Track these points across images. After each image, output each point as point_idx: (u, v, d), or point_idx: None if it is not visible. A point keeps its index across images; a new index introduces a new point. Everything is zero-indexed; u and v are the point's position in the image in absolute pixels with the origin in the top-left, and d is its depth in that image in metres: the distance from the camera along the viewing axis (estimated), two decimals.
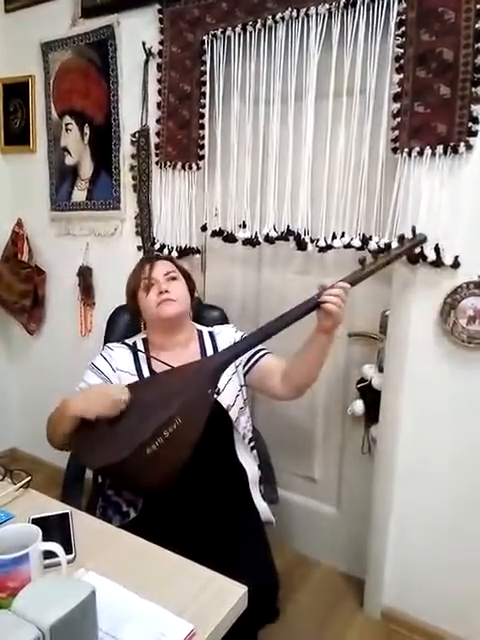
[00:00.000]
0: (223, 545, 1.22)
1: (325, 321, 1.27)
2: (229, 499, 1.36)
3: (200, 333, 1.50)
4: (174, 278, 1.43)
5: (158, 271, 1.42)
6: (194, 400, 1.21)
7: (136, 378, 1.38)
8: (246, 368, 1.47)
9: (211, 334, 1.51)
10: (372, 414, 1.70)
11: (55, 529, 0.98)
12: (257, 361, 1.46)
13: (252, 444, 1.49)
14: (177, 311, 1.40)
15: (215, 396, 1.33)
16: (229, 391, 1.40)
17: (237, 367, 1.45)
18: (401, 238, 1.45)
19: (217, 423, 1.31)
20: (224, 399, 1.37)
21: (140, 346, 1.46)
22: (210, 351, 1.46)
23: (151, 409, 1.18)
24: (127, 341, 1.49)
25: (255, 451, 1.50)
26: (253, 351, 1.44)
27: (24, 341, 2.61)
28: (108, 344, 1.49)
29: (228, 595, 0.83)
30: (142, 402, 1.20)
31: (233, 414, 1.39)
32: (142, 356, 1.43)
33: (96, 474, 1.53)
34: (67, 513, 1.04)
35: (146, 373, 1.40)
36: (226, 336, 1.49)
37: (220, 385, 1.36)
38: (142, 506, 1.30)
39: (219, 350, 1.44)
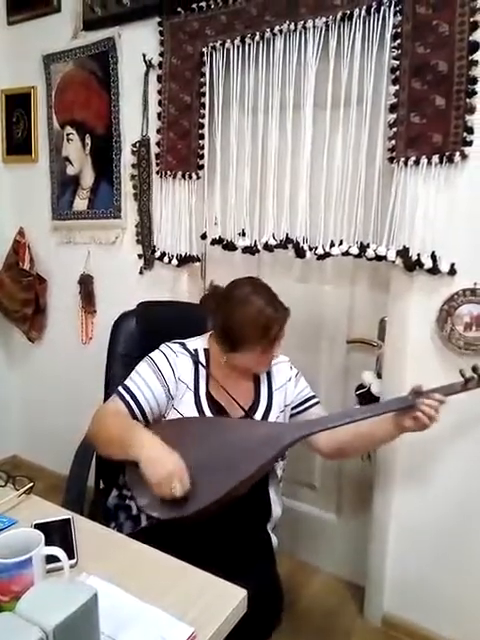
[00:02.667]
0: (228, 555, 1.21)
1: (411, 424, 1.23)
2: (247, 529, 1.32)
3: None
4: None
5: (282, 335, 1.28)
6: (265, 466, 1.20)
7: (192, 393, 1.31)
8: (294, 413, 1.42)
9: None
10: None
11: (57, 534, 0.99)
12: (306, 410, 1.41)
13: (281, 485, 1.46)
14: None
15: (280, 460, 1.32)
16: None
17: (285, 407, 1.39)
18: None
19: None
20: None
21: (202, 358, 1.35)
22: (264, 382, 1.38)
23: (213, 471, 1.15)
24: (189, 346, 1.36)
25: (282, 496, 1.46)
26: (304, 397, 1.41)
27: (25, 349, 2.63)
28: (170, 345, 1.35)
29: (228, 598, 0.84)
30: (211, 454, 1.17)
31: None
32: (202, 371, 1.33)
33: (99, 481, 1.55)
34: (69, 518, 1.05)
35: (203, 390, 1.32)
36: (282, 371, 1.41)
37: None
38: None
39: (274, 383, 1.38)
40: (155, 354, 1.33)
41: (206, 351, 1.36)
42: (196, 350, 1.35)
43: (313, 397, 1.43)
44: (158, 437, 1.16)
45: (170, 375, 1.30)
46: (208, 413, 1.31)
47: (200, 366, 1.34)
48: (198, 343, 1.38)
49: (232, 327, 1.25)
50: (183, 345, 1.36)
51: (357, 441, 1.33)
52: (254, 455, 1.18)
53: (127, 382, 1.30)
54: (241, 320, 1.23)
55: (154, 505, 1.14)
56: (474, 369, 1.28)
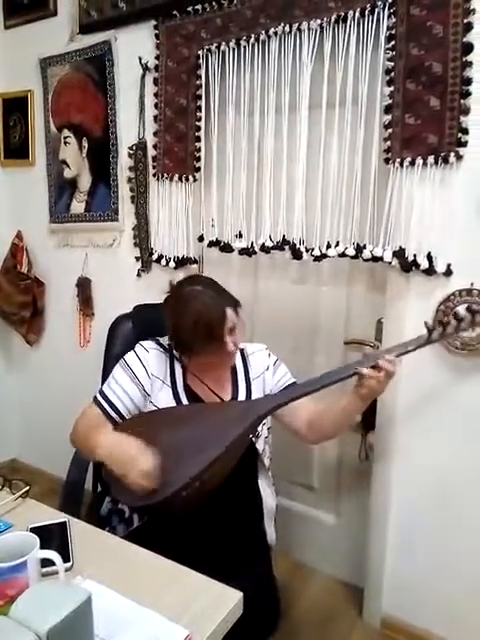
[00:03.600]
0: (224, 557, 1.22)
1: (366, 391, 1.21)
2: (240, 525, 1.34)
3: None
4: (236, 325, 1.28)
5: (229, 325, 1.24)
6: (235, 444, 1.19)
7: (169, 388, 1.32)
8: None
9: (242, 352, 1.41)
10: (369, 421, 1.71)
11: (53, 538, 0.99)
12: None
13: (271, 473, 1.46)
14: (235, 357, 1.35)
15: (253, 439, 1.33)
16: None
17: (265, 396, 1.39)
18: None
19: (244, 454, 1.25)
20: None
21: (177, 352, 1.35)
22: (241, 371, 1.39)
23: (187, 453, 1.15)
24: (163, 342, 1.37)
25: (272, 482, 1.47)
26: (283, 385, 1.40)
27: (23, 352, 2.63)
28: (143, 343, 1.36)
29: (224, 601, 0.84)
30: (180, 439, 1.17)
31: (260, 445, 1.38)
32: (177, 365, 1.34)
33: (96, 484, 1.55)
34: (65, 522, 1.05)
35: (180, 384, 1.32)
36: (259, 359, 1.41)
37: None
38: (148, 518, 1.28)
39: (251, 372, 1.39)
40: (128, 355, 1.35)
41: None
42: (170, 345, 1.35)
43: (294, 383, 1.42)
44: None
45: (143, 373, 1.31)
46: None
47: (175, 360, 1.35)
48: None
49: (179, 335, 1.25)
50: (157, 341, 1.38)
51: (328, 419, 1.32)
52: (227, 432, 1.19)
53: (103, 387, 1.33)
54: (184, 327, 1.22)
55: (133, 494, 1.14)
56: (439, 322, 1.26)
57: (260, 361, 1.41)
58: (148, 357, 1.33)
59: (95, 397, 1.31)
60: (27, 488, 1.13)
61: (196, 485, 1.12)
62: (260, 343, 1.46)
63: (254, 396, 1.36)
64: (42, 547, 0.83)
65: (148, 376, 1.32)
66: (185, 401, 1.32)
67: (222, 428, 1.20)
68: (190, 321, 1.21)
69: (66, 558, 0.92)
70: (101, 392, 1.32)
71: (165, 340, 1.38)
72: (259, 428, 1.36)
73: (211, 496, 1.17)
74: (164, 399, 1.31)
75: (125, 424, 1.28)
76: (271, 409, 1.26)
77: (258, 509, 1.40)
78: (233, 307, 1.27)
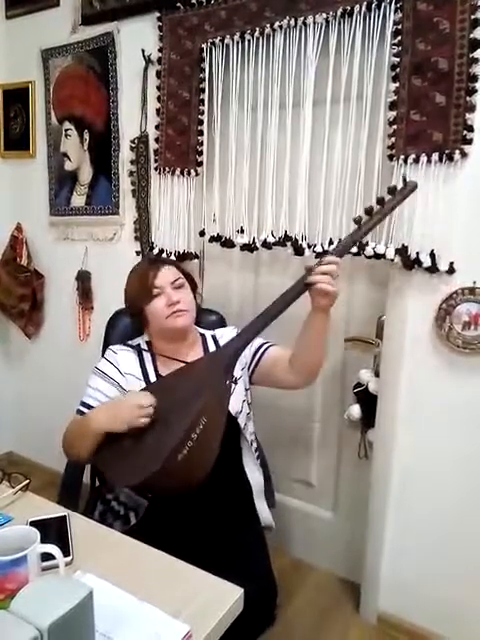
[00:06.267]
0: (222, 551, 1.22)
1: (320, 300, 1.22)
2: (232, 508, 1.35)
3: (203, 337, 1.48)
4: (181, 285, 1.37)
5: (165, 278, 1.35)
6: (215, 395, 1.19)
7: (142, 381, 1.35)
8: (253, 366, 1.44)
9: (214, 337, 1.49)
10: (369, 419, 1.71)
11: (53, 532, 0.99)
12: (263, 354, 1.43)
13: (258, 453, 1.47)
14: (189, 322, 1.38)
15: (233, 385, 1.32)
16: (235, 398, 1.35)
17: (242, 370, 1.42)
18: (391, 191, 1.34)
19: (225, 431, 1.23)
20: (232, 406, 1.32)
21: (143, 346, 1.43)
22: (213, 350, 1.44)
23: (173, 414, 1.15)
24: (130, 343, 1.45)
25: (260, 461, 1.48)
26: (256, 347, 1.42)
27: (22, 345, 2.62)
28: (111, 347, 1.44)
29: (224, 597, 0.84)
30: (161, 409, 1.17)
31: (241, 421, 1.38)
32: (147, 357, 1.40)
33: (94, 478, 1.54)
34: (65, 516, 1.05)
35: (152, 375, 1.37)
36: (228, 337, 1.44)
37: (236, 374, 1.34)
38: (144, 513, 1.29)
39: None
40: (99, 362, 1.40)
41: (148, 343, 1.44)
42: (138, 344, 1.44)
43: (265, 343, 1.44)
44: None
45: (115, 373, 1.36)
46: None
47: (143, 352, 1.41)
48: (140, 339, 1.47)
49: (126, 298, 1.43)
50: (124, 343, 1.46)
51: (302, 347, 1.33)
52: (203, 384, 1.20)
53: (83, 398, 1.34)
54: (127, 287, 1.42)
55: (129, 472, 1.14)
56: (366, 211, 1.26)
57: (229, 337, 1.42)
58: (117, 358, 1.39)
59: (77, 408, 1.33)
60: (27, 481, 1.13)
61: (189, 445, 1.10)
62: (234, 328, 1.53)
63: (235, 373, 1.36)
64: (42, 541, 0.82)
65: (121, 374, 1.36)
66: None
67: (201, 380, 1.21)
68: (131, 278, 1.42)
69: (66, 552, 0.92)
70: (82, 402, 1.33)
71: (132, 342, 1.46)
72: (239, 386, 1.38)
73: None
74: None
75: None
76: (239, 346, 1.28)
77: (247, 491, 1.40)
78: (173, 266, 1.41)
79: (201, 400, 1.15)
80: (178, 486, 1.14)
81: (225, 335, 1.48)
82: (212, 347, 1.45)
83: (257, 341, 1.43)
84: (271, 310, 1.25)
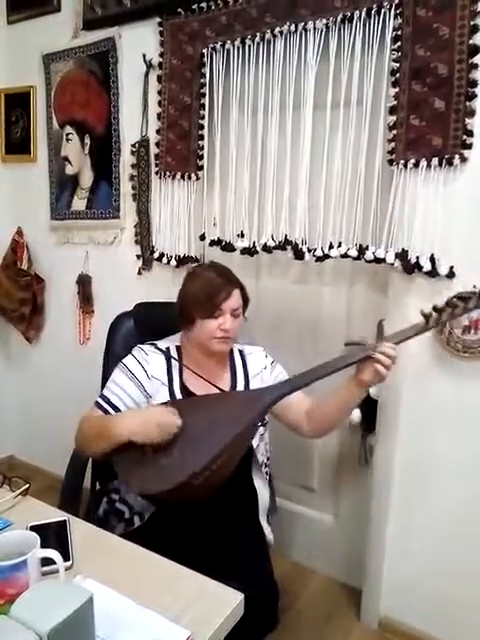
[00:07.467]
0: (224, 556, 1.22)
1: (368, 376, 1.22)
2: (236, 521, 1.35)
3: (231, 351, 1.45)
4: (238, 316, 1.34)
5: (230, 304, 1.31)
6: (244, 434, 1.21)
7: (166, 387, 1.34)
8: None
9: (241, 353, 1.45)
10: (369, 423, 1.70)
11: (53, 536, 0.99)
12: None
13: (268, 470, 1.46)
14: (229, 348, 1.38)
15: (262, 428, 1.34)
16: None
17: None
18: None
19: None
20: None
21: (174, 353, 1.40)
22: (240, 371, 1.42)
23: (200, 439, 1.16)
24: (160, 345, 1.41)
25: (268, 479, 1.47)
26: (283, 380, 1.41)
27: (23, 349, 2.62)
28: (141, 346, 1.39)
29: (225, 602, 0.84)
30: (188, 428, 1.17)
31: (254, 441, 1.37)
32: (174, 364, 1.37)
33: (95, 482, 1.54)
34: (65, 520, 1.05)
35: (177, 383, 1.35)
36: (257, 360, 1.44)
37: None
38: (149, 517, 1.29)
39: (249, 372, 1.42)
40: (127, 359, 1.37)
41: (178, 348, 1.41)
42: (168, 348, 1.40)
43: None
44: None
45: (143, 375, 1.34)
46: None
47: (172, 360, 1.38)
48: (170, 341, 1.43)
49: (183, 299, 1.36)
50: (154, 345, 1.41)
51: (328, 410, 1.34)
52: (235, 419, 1.20)
53: (104, 391, 1.34)
54: (190, 291, 1.34)
55: (143, 480, 1.15)
56: (434, 308, 1.26)
57: (258, 361, 1.44)
58: (147, 359, 1.36)
59: (97, 401, 1.32)
60: (27, 486, 1.13)
61: (207, 474, 1.12)
62: (259, 346, 1.50)
63: None
64: (42, 546, 0.82)
65: (148, 377, 1.34)
66: (181, 398, 1.34)
67: (234, 414, 1.21)
68: (198, 284, 1.33)
69: (66, 557, 0.91)
70: (102, 395, 1.33)
71: (162, 343, 1.42)
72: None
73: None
74: (162, 399, 1.32)
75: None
76: (278, 396, 1.27)
77: (254, 505, 1.40)
78: (240, 291, 1.35)
79: (232, 435, 1.16)
80: (185, 502, 1.17)
81: (254, 354, 1.46)
82: (239, 364, 1.43)
83: (282, 375, 1.43)
84: (322, 370, 1.25)
